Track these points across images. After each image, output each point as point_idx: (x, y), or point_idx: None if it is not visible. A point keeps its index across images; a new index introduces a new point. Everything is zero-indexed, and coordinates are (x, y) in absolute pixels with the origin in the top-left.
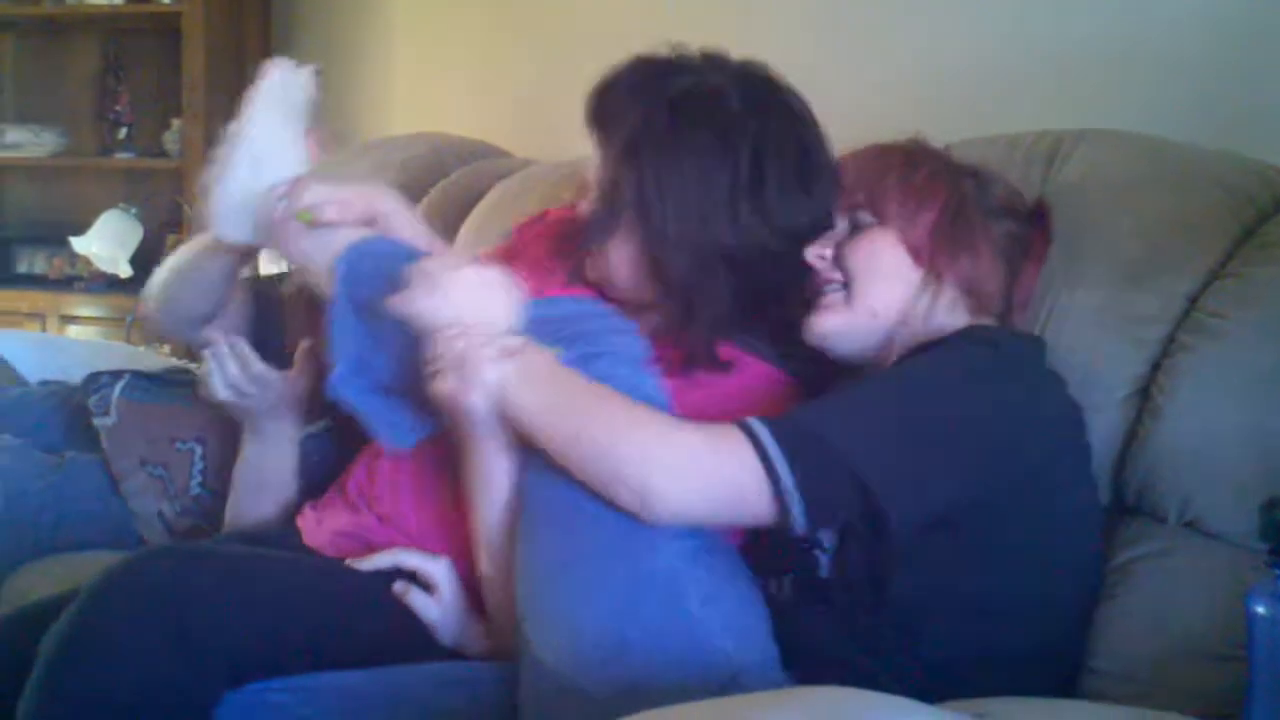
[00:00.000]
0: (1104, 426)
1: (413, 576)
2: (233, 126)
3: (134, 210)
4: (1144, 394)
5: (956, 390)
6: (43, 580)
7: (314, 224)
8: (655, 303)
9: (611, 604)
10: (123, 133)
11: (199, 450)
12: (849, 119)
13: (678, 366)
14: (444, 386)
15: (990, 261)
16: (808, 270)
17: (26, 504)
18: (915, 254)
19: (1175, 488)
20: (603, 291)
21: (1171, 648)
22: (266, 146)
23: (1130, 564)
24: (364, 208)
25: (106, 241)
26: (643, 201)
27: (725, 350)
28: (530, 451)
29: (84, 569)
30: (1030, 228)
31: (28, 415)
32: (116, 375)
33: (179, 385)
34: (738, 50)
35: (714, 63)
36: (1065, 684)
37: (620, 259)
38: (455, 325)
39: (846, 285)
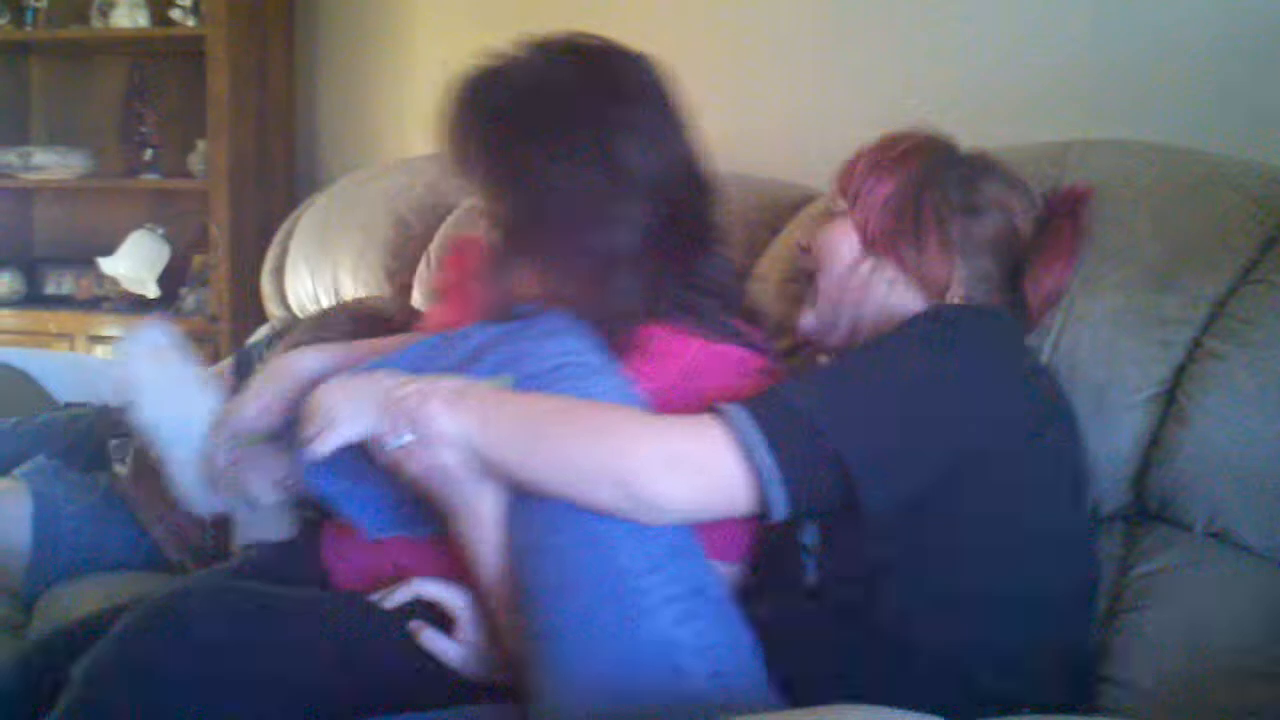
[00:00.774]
0: (1124, 428)
1: (433, 607)
2: (135, 420)
3: (161, 231)
4: (1168, 397)
5: (918, 366)
6: (76, 599)
7: (268, 434)
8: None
9: (610, 673)
10: (149, 154)
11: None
12: (861, 131)
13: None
14: (411, 464)
15: (938, 254)
16: (708, 213)
17: (61, 526)
18: (865, 237)
19: (1203, 497)
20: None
21: (1204, 664)
22: (176, 417)
23: (1157, 574)
24: (286, 394)
25: (134, 262)
26: (519, 227)
27: (656, 334)
28: (515, 520)
29: (117, 589)
30: (1046, 224)
31: (61, 437)
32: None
33: None
34: (746, 63)
35: (537, 52)
36: (1081, 686)
37: (523, 287)
38: (376, 415)
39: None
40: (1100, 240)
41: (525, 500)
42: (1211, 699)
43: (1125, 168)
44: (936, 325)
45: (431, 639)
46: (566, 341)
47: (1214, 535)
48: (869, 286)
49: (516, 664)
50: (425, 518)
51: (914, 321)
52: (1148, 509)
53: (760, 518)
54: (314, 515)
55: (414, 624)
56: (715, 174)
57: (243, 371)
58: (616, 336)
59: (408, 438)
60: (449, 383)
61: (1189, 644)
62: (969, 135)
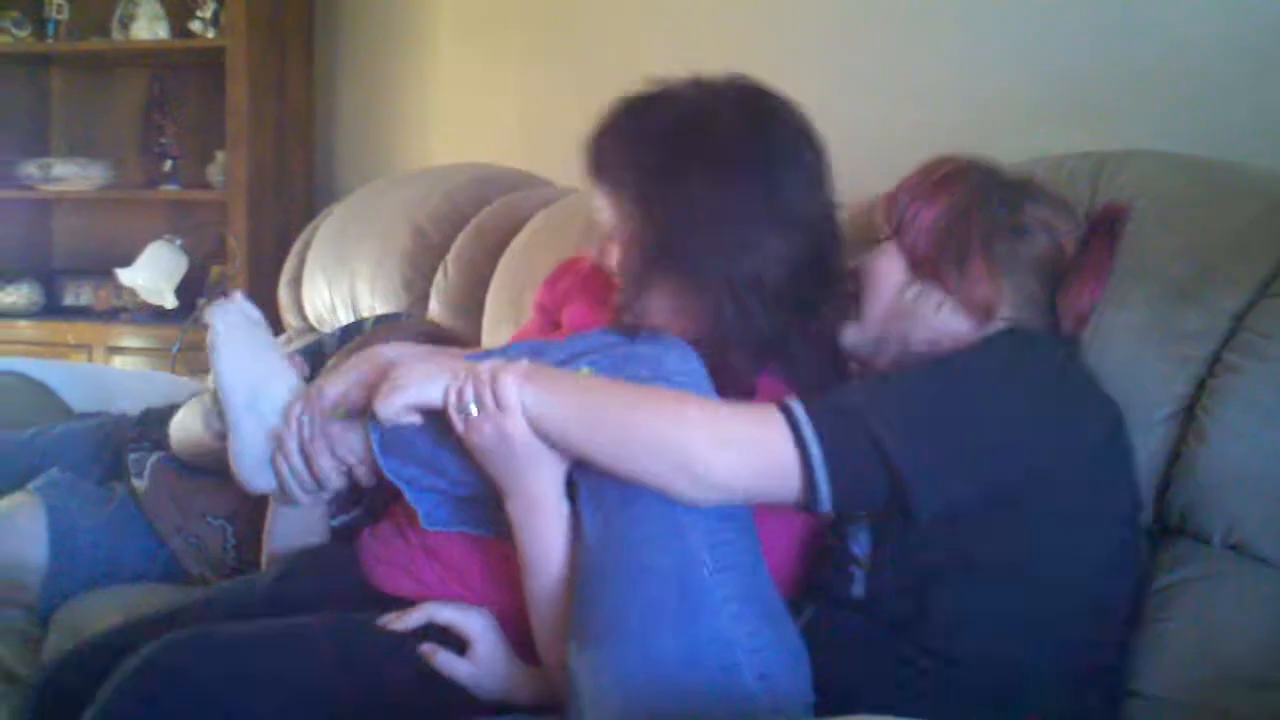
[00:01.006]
0: (1146, 445)
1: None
2: (212, 387)
3: (179, 242)
4: (1188, 413)
5: (990, 386)
6: (93, 611)
7: (348, 414)
8: (692, 340)
9: (664, 666)
10: (168, 165)
11: (230, 529)
12: (878, 144)
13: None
14: (477, 436)
15: (985, 276)
16: (838, 276)
17: (78, 540)
18: (912, 261)
19: (1221, 510)
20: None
21: (1223, 675)
22: (252, 387)
23: (1176, 586)
24: (368, 378)
25: (152, 273)
26: (666, 246)
27: (769, 385)
28: (596, 513)
29: (135, 600)
30: (1086, 242)
31: (77, 448)
32: (159, 444)
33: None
34: (771, 77)
35: (700, 86)
36: (1114, 702)
37: (656, 307)
38: (448, 382)
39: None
40: (1127, 255)
41: (609, 491)
42: (1229, 709)
43: (1157, 181)
44: (1011, 350)
45: (446, 661)
46: (674, 361)
47: (1232, 548)
48: (916, 311)
49: (552, 665)
50: (486, 519)
51: (990, 341)
52: (1168, 523)
53: (807, 508)
54: (350, 520)
55: (426, 646)
56: (845, 231)
57: (312, 364)
58: (728, 374)
59: (474, 408)
60: (526, 363)
61: (1207, 655)
62: (973, 143)
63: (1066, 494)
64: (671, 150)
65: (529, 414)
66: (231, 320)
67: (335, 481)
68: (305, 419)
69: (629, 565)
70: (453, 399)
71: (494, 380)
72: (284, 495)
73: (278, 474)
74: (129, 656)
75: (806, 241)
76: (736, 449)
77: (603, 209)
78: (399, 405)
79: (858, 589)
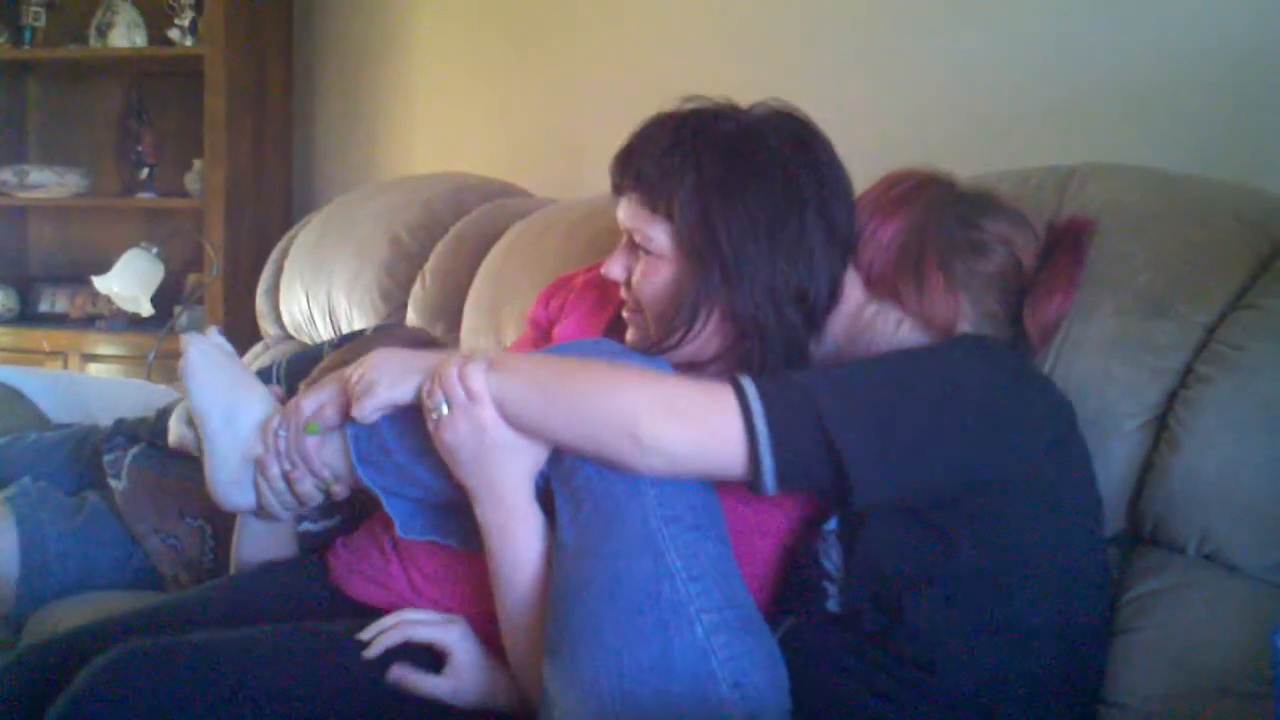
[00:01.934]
0: (1118, 455)
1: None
2: (186, 414)
3: (155, 249)
4: (1160, 423)
5: (944, 382)
6: (67, 619)
7: (323, 430)
8: (721, 354)
9: (639, 676)
10: (145, 173)
11: (208, 529)
12: (869, 156)
13: None
14: (453, 428)
15: (942, 293)
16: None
17: (47, 549)
18: (868, 279)
19: (1194, 520)
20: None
21: (1195, 684)
22: (228, 406)
23: (1149, 596)
24: (344, 394)
25: (128, 281)
26: (722, 257)
27: None
28: (571, 527)
29: (107, 607)
30: (1050, 255)
31: (50, 458)
32: (133, 439)
33: (189, 460)
34: (764, 88)
35: (735, 108)
36: (1088, 713)
37: (709, 321)
38: (421, 381)
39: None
40: (1096, 268)
41: (585, 501)
42: (1196, 718)
43: (1124, 194)
44: (968, 349)
45: (423, 684)
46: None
47: (1206, 557)
48: (875, 329)
49: (528, 683)
50: (460, 530)
51: (943, 344)
52: (1141, 533)
53: (753, 485)
54: (327, 528)
55: (396, 672)
56: None
57: (308, 369)
58: None
59: (445, 407)
60: (481, 355)
61: (1178, 665)
62: (973, 159)
63: (1028, 495)
64: (730, 164)
65: (495, 398)
66: (205, 348)
67: (315, 498)
68: (281, 433)
69: (603, 574)
70: (425, 396)
71: (461, 372)
72: (264, 512)
73: (259, 494)
74: (89, 659)
75: (842, 258)
76: (681, 417)
77: (641, 221)
78: (373, 408)
79: (832, 603)
